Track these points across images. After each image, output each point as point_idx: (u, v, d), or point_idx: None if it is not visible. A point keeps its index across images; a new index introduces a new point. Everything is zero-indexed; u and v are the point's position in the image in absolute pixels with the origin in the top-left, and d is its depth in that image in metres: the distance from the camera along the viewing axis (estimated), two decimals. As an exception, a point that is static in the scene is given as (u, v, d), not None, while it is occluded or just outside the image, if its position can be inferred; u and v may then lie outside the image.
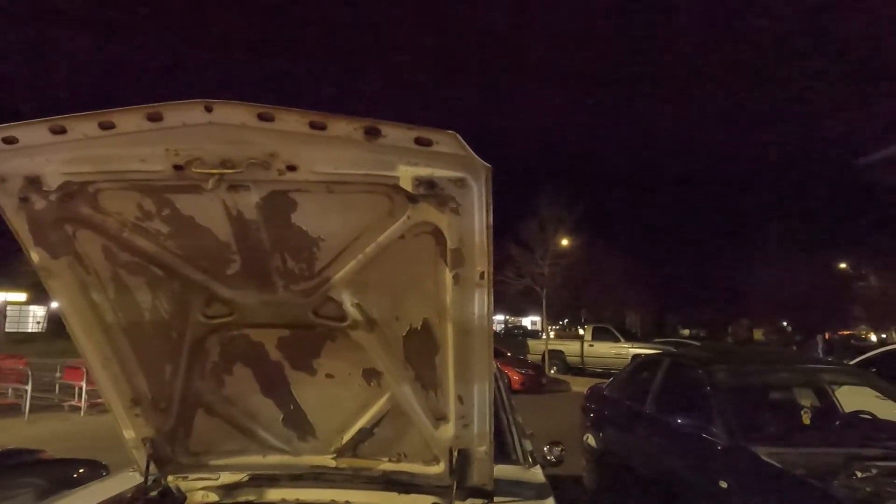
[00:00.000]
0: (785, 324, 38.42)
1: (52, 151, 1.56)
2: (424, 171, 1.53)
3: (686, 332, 43.88)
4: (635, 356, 8.05)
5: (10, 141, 1.53)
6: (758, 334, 36.68)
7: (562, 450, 3.23)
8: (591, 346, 21.54)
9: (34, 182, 1.63)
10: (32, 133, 1.52)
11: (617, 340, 21.04)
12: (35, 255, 1.78)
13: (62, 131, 1.50)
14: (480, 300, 1.74)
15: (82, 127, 1.50)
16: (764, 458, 3.60)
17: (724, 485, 3.70)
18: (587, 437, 6.46)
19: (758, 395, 4.79)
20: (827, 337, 27.04)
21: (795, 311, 34.08)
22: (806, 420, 4.46)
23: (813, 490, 3.22)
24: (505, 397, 3.34)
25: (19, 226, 1.72)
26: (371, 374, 2.09)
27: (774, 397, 4.91)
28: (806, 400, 5.00)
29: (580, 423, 6.92)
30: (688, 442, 4.40)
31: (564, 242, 24.74)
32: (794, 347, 25.81)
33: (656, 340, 22.46)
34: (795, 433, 4.20)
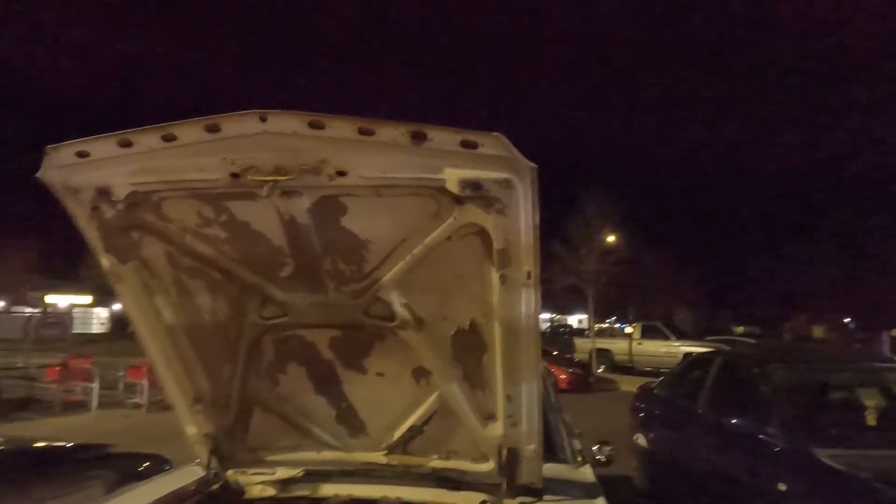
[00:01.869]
0: (848, 320, 36.62)
1: (119, 163, 1.66)
2: (470, 173, 1.55)
3: (741, 329, 42.28)
4: (686, 354, 7.84)
5: (82, 155, 1.63)
6: (818, 332, 35.08)
7: (611, 449, 3.19)
8: (639, 344, 21.09)
9: (104, 192, 1.74)
10: (102, 147, 1.62)
11: (667, 338, 20.54)
12: (105, 261, 1.89)
13: (129, 144, 1.60)
14: (527, 300, 1.75)
15: (147, 140, 1.59)
16: (825, 460, 3.46)
17: (782, 488, 3.59)
18: (637, 437, 6.35)
19: (817, 395, 4.61)
20: (894, 334, 25.64)
21: (859, 308, 32.43)
22: (870, 421, 4.25)
23: (879, 494, 3.09)
24: (552, 396, 3.33)
25: (91, 233, 1.83)
26: (420, 373, 2.13)
27: (835, 397, 4.71)
28: (870, 400, 4.76)
29: (630, 422, 6.81)
30: (743, 443, 4.28)
31: (610, 239, 24.29)
32: (858, 345, 24.60)
33: (708, 338, 21.74)
34: (859, 435, 4.01)
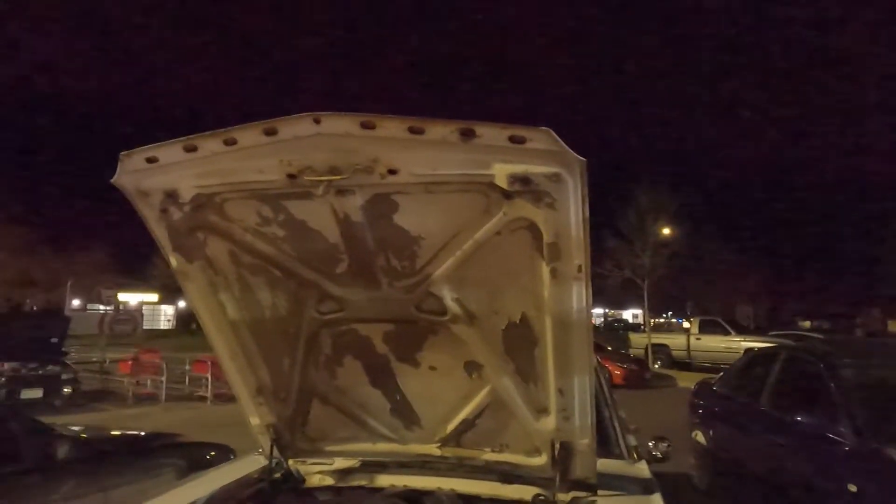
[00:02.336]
0: (926, 314, 34.27)
1: (185, 167, 1.76)
2: (519, 168, 1.56)
3: (807, 324, 40.20)
4: (748, 350, 7.55)
5: (151, 160, 1.74)
6: (893, 326, 33.03)
7: (668, 445, 3.13)
8: (697, 339, 20.43)
9: (171, 195, 1.84)
10: (169, 152, 1.72)
11: (727, 333, 19.82)
12: (173, 260, 2.00)
13: (193, 149, 1.69)
14: (578, 293, 1.75)
15: (209, 145, 1.67)
16: None
17: (853, 489, 3.43)
18: (696, 434, 6.18)
19: (889, 393, 4.36)
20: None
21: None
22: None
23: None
24: (606, 391, 3.30)
25: (160, 234, 1.94)
26: (472, 367, 2.15)
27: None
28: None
29: (688, 419, 6.63)
30: (809, 442, 4.10)
31: (665, 231, 23.61)
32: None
33: (772, 333, 20.83)
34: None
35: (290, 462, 2.52)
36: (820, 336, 19.61)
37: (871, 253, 32.84)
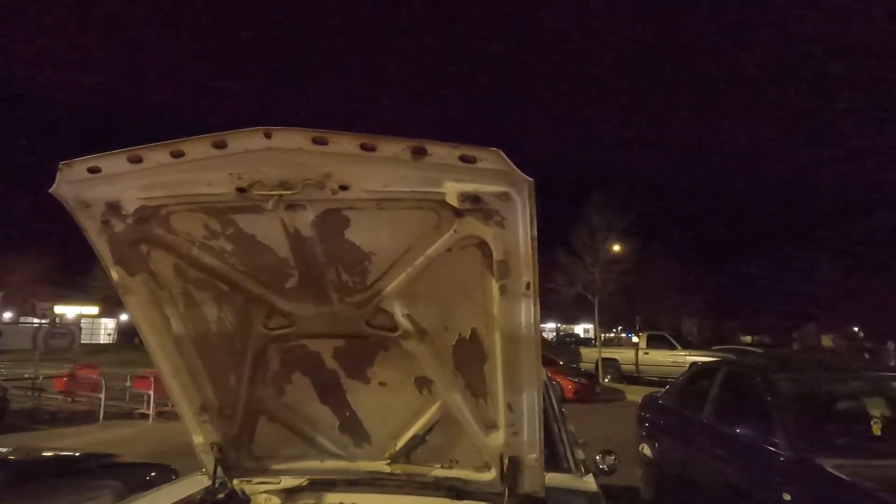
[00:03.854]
0: (857, 330, 36.29)
1: (129, 179, 1.71)
2: (469, 187, 1.59)
3: (748, 338, 41.98)
4: (692, 364, 7.81)
5: (94, 170, 1.68)
6: (826, 341, 34.76)
7: (615, 459, 3.20)
8: (646, 353, 21.02)
9: (114, 207, 1.78)
10: (113, 163, 1.67)
11: (673, 348, 20.47)
12: (114, 273, 1.94)
13: (139, 160, 1.65)
14: (527, 310, 1.78)
15: (156, 156, 1.64)
16: (830, 469, 3.46)
17: (787, 497, 3.58)
18: (643, 447, 6.33)
19: (822, 405, 4.59)
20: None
21: (867, 317, 32.16)
22: (876, 430, 4.24)
23: (884, 504, 3.08)
24: (556, 406, 3.35)
25: (101, 246, 1.88)
26: (422, 382, 2.16)
27: (841, 406, 4.68)
28: (876, 409, 4.75)
29: (635, 432, 6.79)
30: (748, 453, 4.27)
31: (616, 248, 24.28)
32: (866, 355, 24.37)
33: (715, 348, 21.65)
34: (865, 444, 4.01)
35: (235, 482, 2.45)
36: (759, 350, 20.50)
37: (807, 272, 34.64)
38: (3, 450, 3.81)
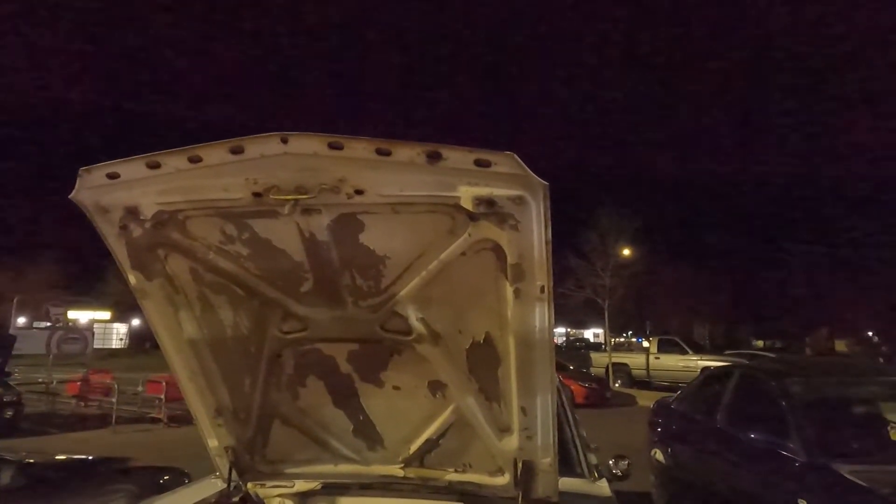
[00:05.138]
0: (871, 334, 35.88)
1: (147, 184, 1.73)
2: (484, 191, 1.60)
3: (760, 343, 41.61)
4: (704, 369, 7.76)
5: (113, 176, 1.71)
6: (841, 346, 34.40)
7: (628, 464, 3.19)
8: (657, 358, 20.89)
9: (132, 212, 1.81)
10: (131, 168, 1.69)
11: (684, 353, 20.32)
12: (132, 278, 1.96)
13: (157, 166, 1.67)
14: (541, 313, 1.78)
15: (174, 161, 1.66)
16: (846, 475, 3.42)
17: (803, 503, 3.54)
18: (655, 452, 6.28)
19: (837, 409, 4.54)
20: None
21: (883, 321, 31.78)
22: (893, 436, 4.18)
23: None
24: (568, 410, 3.34)
25: (119, 251, 1.90)
26: (436, 386, 2.16)
27: (856, 411, 4.63)
28: (893, 414, 4.69)
29: (647, 437, 6.74)
30: (762, 458, 4.23)
31: (626, 252, 24.18)
32: (881, 360, 24.07)
33: (727, 352, 21.48)
34: (880, 450, 3.95)
35: (249, 485, 2.46)
36: (772, 355, 20.32)
37: (819, 277, 34.31)
38: (19, 453, 3.84)
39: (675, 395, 7.30)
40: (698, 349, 21.58)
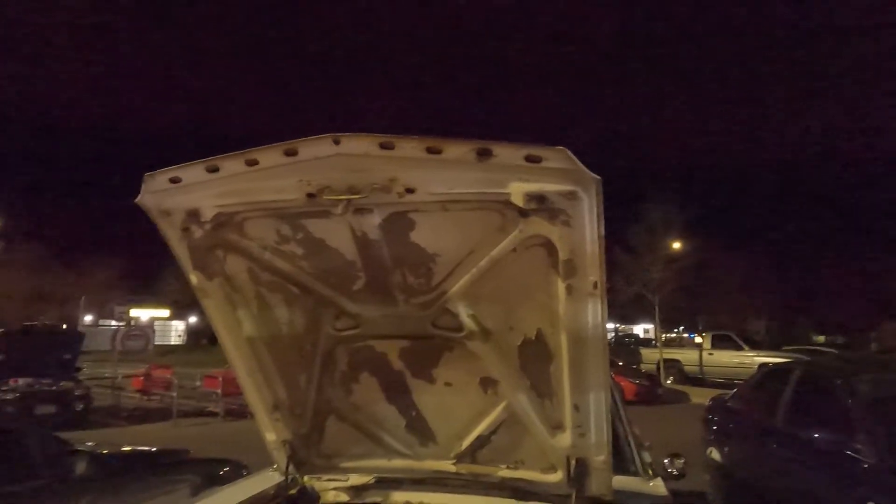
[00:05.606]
0: (945, 328, 33.67)
1: (207, 188, 1.80)
2: (535, 187, 1.59)
3: (821, 338, 39.67)
4: (762, 365, 7.46)
5: (175, 181, 1.78)
6: (910, 341, 32.47)
7: (684, 462, 3.11)
8: (710, 354, 20.25)
9: (193, 215, 1.88)
10: (192, 173, 1.76)
11: (739, 348, 19.62)
12: (193, 278, 2.04)
13: (215, 170, 1.73)
14: (594, 309, 1.76)
15: (231, 165, 1.71)
16: None
17: (872, 507, 3.38)
18: (710, 451, 6.10)
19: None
20: None
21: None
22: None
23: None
24: (620, 407, 3.28)
25: (181, 252, 1.98)
26: (487, 383, 2.16)
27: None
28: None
29: (703, 436, 6.55)
30: (826, 459, 4.05)
31: (676, 245, 23.50)
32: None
33: (786, 348, 20.62)
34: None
35: (306, 478, 2.52)
36: (835, 351, 19.40)
37: (886, 266, 32.44)
38: (91, 445, 4.07)
39: (731, 392, 7.07)
40: (754, 345, 20.81)
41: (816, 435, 4.30)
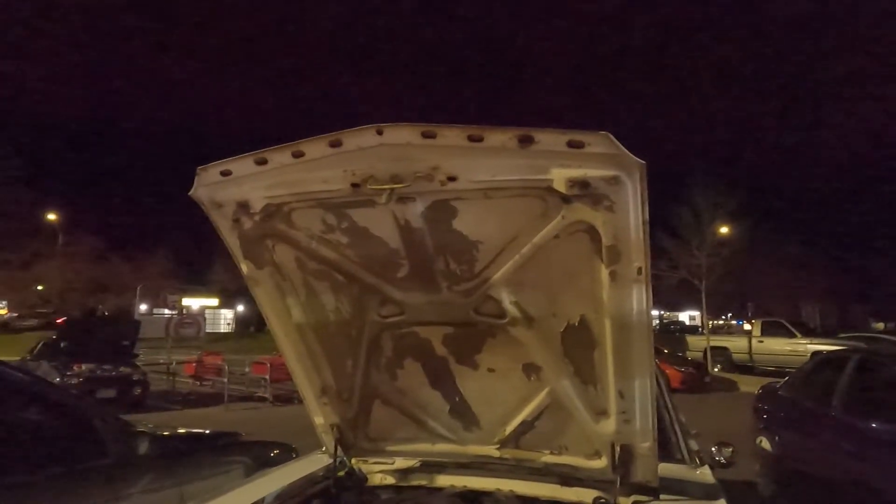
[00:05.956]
0: None
1: (256, 180, 1.86)
2: (577, 173, 1.58)
3: (881, 325, 37.83)
4: (816, 353, 7.21)
5: (226, 173, 1.85)
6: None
7: (732, 451, 3.05)
8: (760, 342, 19.65)
9: (243, 206, 1.95)
10: (242, 165, 1.82)
11: (792, 336, 18.96)
12: (244, 267, 2.11)
13: (264, 162, 1.79)
14: (638, 295, 1.75)
15: (279, 157, 1.77)
16: None
17: (934, 499, 3.24)
18: (761, 440, 5.96)
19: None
20: None
21: None
22: None
23: None
24: (665, 394, 3.24)
25: (233, 243, 2.06)
26: (531, 369, 2.17)
27: None
28: None
29: (753, 424, 6.40)
30: (885, 449, 3.90)
31: (724, 230, 22.79)
32: None
33: (842, 335, 19.80)
34: None
35: (353, 461, 2.59)
36: (894, 338, 18.50)
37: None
38: (150, 426, 4.29)
39: (783, 380, 6.86)
40: (807, 332, 20.07)
41: (875, 424, 4.14)
